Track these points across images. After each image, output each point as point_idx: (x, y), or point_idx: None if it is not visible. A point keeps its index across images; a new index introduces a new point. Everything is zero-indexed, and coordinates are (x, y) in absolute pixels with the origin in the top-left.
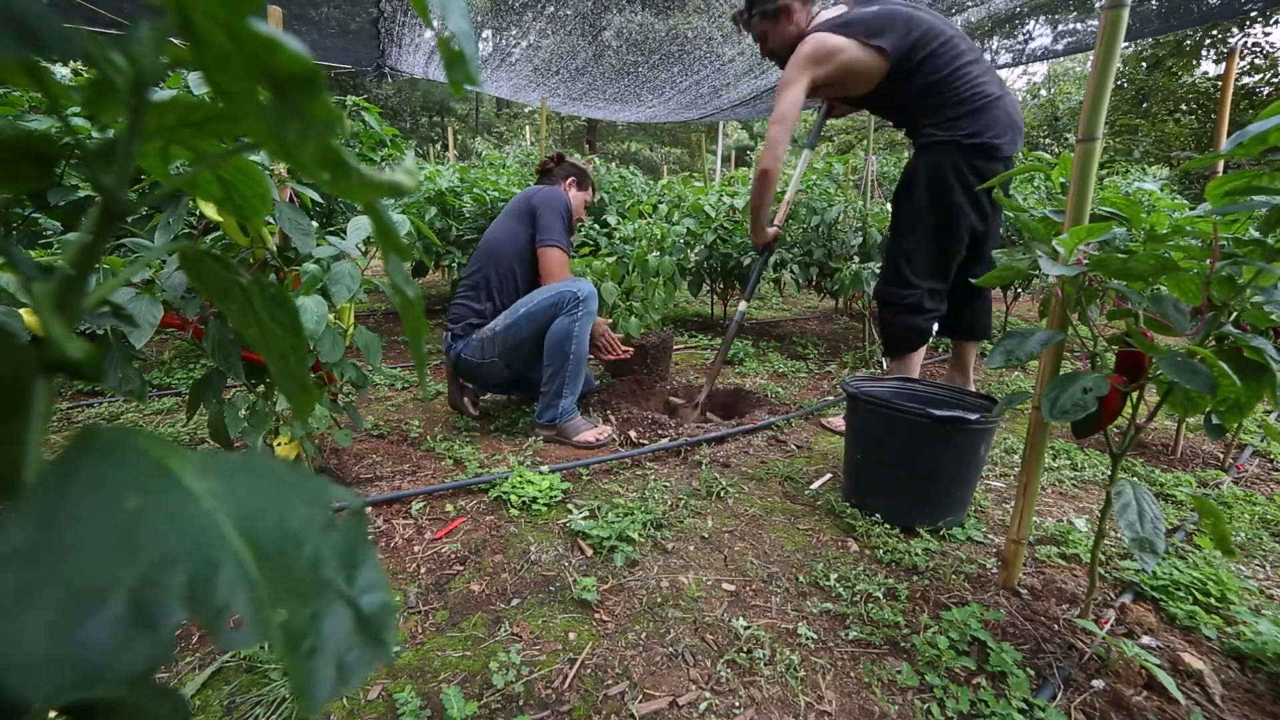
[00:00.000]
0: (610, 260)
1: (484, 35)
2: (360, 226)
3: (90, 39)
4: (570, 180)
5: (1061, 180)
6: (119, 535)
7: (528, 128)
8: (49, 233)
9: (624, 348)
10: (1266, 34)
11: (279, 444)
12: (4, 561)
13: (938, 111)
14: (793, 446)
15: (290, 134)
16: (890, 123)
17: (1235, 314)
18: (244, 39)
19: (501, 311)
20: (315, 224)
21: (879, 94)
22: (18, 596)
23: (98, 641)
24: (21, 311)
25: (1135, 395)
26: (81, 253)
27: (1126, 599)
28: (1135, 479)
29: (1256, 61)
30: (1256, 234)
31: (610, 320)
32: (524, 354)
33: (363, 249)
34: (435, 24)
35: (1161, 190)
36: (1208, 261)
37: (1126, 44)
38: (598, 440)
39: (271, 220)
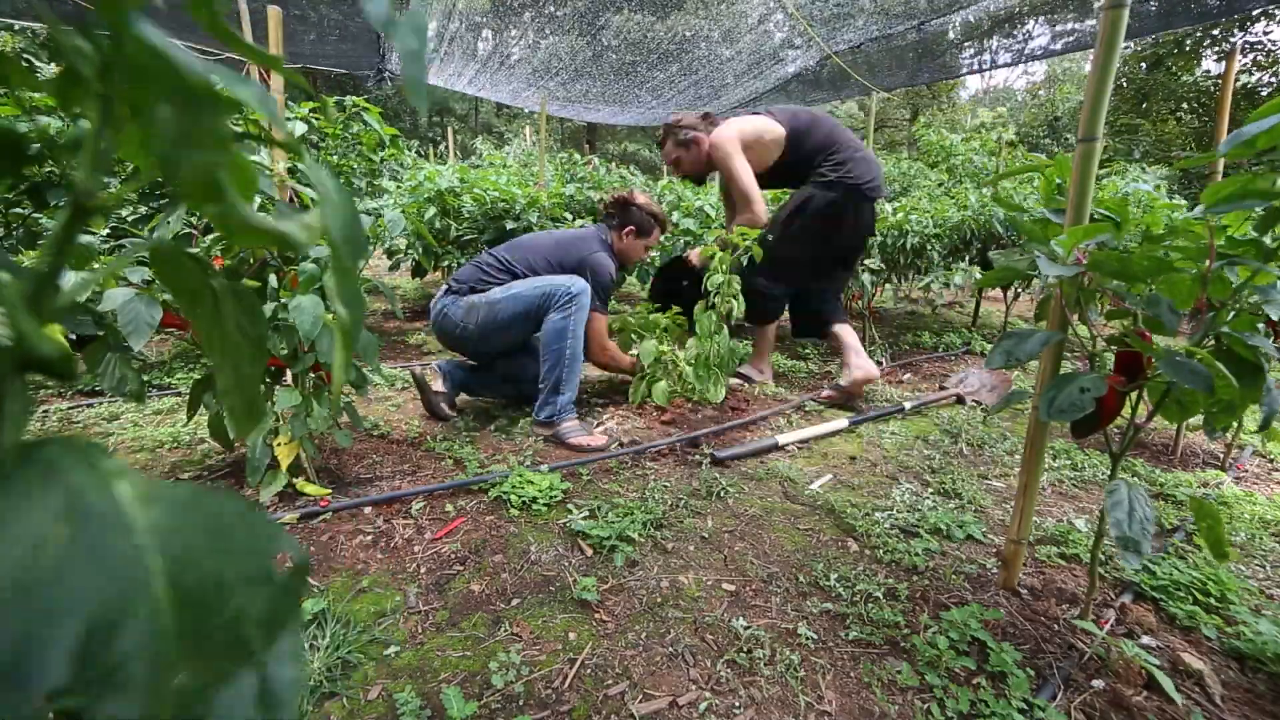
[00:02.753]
0: (676, 311)
1: (484, 35)
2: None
3: (57, 28)
4: (629, 230)
5: (1058, 181)
6: (24, 567)
7: (528, 128)
8: (49, 232)
9: (629, 361)
10: (1268, 32)
11: (279, 444)
12: None
13: (828, 159)
14: (793, 446)
15: (177, 154)
16: (787, 185)
17: (1234, 314)
18: (148, 50)
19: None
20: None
21: (782, 163)
22: None
23: None
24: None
25: (1134, 395)
26: (52, 248)
27: (1126, 599)
28: (1134, 479)
29: (1258, 59)
30: (1254, 233)
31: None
32: (499, 337)
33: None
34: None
35: (1157, 190)
36: (1205, 262)
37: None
38: (588, 445)
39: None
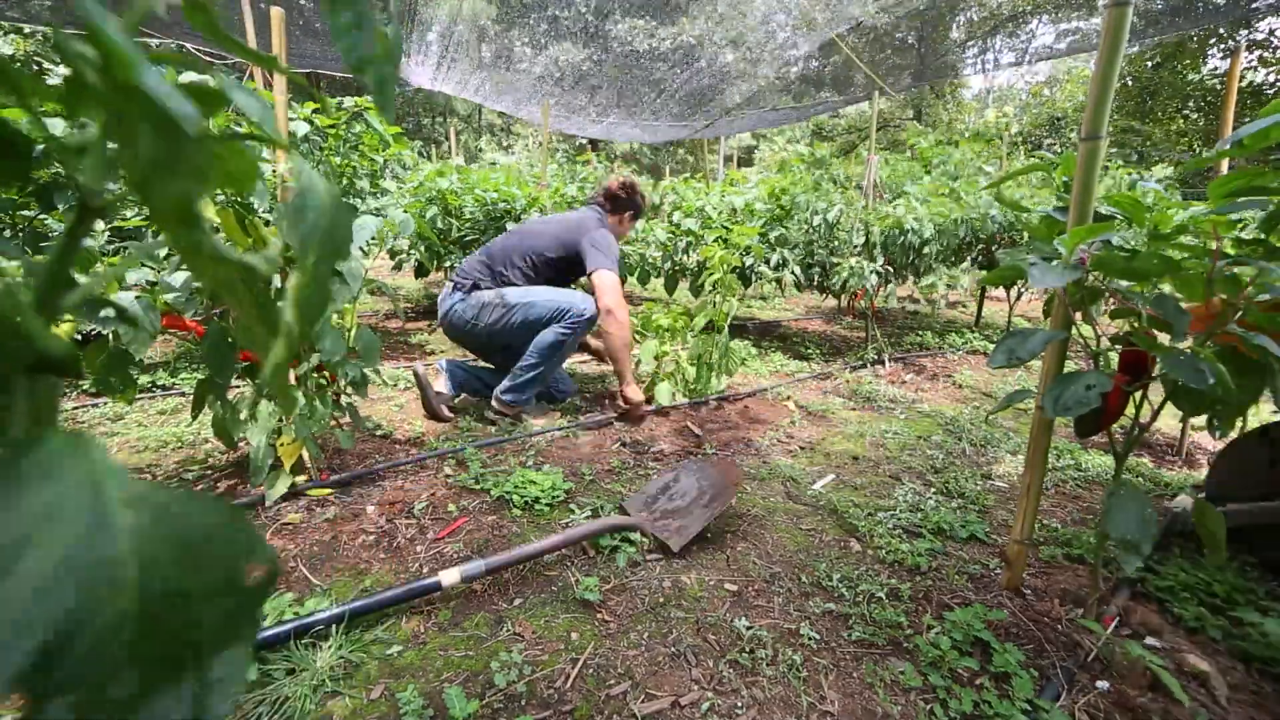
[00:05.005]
0: (678, 311)
1: (487, 42)
2: (365, 226)
3: (62, 35)
4: (628, 215)
5: (1063, 179)
6: (3, 561)
7: (530, 128)
8: (54, 234)
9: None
10: (1273, 30)
11: (283, 444)
12: None
13: None
14: (796, 447)
15: (154, 178)
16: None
17: (1240, 312)
18: (111, 56)
19: (507, 283)
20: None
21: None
22: None
23: None
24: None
25: (1138, 395)
26: (59, 248)
27: (1131, 600)
28: (1139, 479)
29: (1264, 56)
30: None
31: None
32: (505, 340)
33: (364, 248)
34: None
35: (1167, 190)
36: (1210, 261)
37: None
38: (545, 425)
39: (272, 221)
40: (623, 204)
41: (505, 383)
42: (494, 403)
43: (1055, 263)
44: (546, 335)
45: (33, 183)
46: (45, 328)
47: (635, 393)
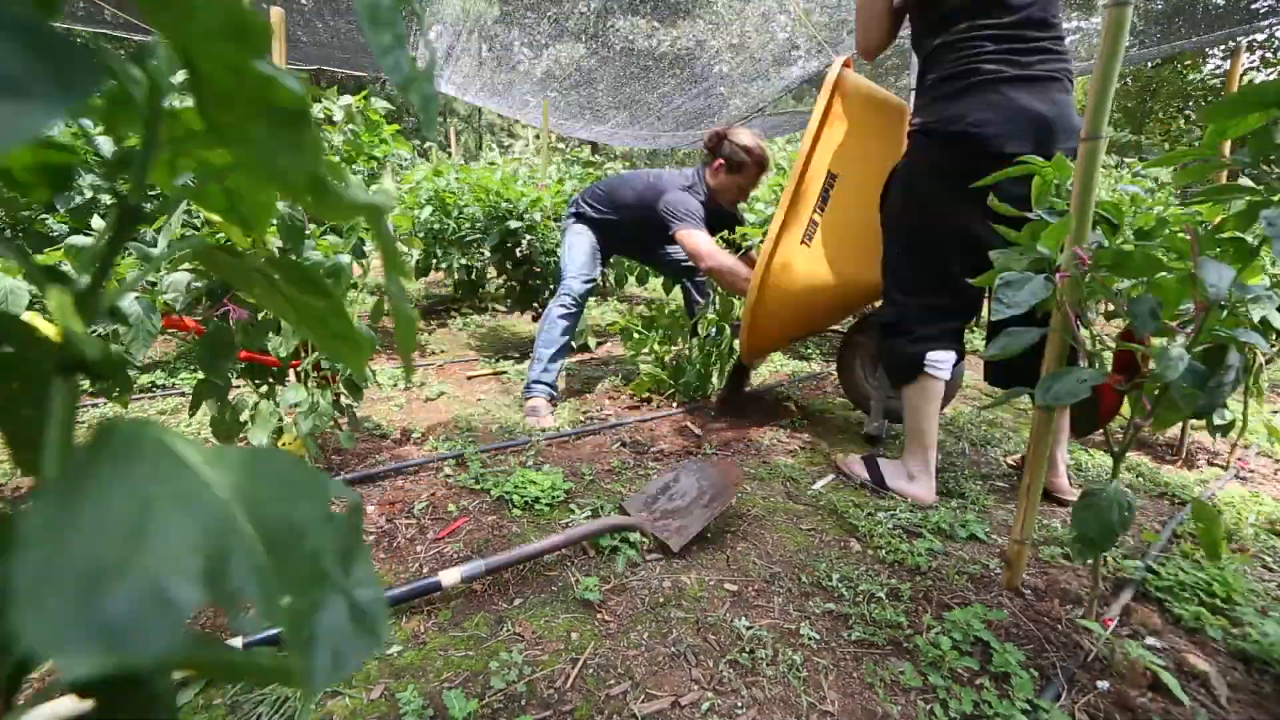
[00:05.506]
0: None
1: (488, 45)
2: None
3: (108, 54)
4: (719, 164)
5: (1055, 181)
6: (136, 520)
7: (530, 128)
8: (55, 234)
9: None
10: (1273, 27)
11: (284, 444)
12: (28, 541)
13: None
14: (796, 446)
15: (281, 161)
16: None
17: (1226, 311)
18: (248, 78)
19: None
20: (312, 226)
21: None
22: (42, 573)
23: (119, 617)
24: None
25: (1135, 394)
26: (101, 257)
27: (1131, 600)
28: (1139, 478)
29: (1266, 56)
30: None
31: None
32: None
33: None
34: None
35: (1162, 190)
36: (1190, 261)
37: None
38: (537, 425)
39: (272, 223)
40: (713, 156)
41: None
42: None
43: (1038, 278)
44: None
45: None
46: (85, 330)
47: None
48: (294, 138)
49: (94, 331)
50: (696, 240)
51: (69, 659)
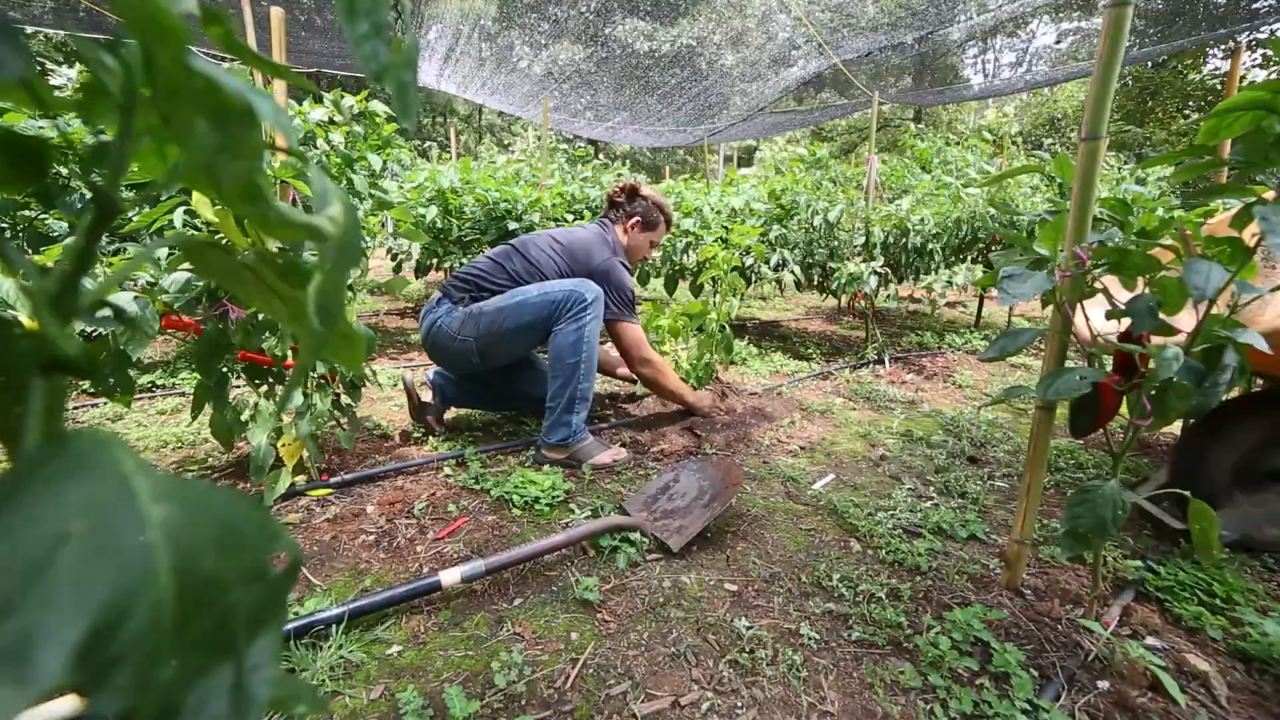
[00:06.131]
0: (678, 311)
1: (489, 43)
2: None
3: (83, 43)
4: (635, 221)
5: (1059, 181)
6: (49, 552)
7: (530, 129)
8: (55, 234)
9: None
10: (1273, 26)
11: (283, 445)
12: None
13: None
14: (796, 446)
15: (218, 162)
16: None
17: (1227, 313)
18: (195, 74)
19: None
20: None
21: None
22: None
23: None
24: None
25: (1134, 394)
26: (76, 251)
27: (1131, 600)
28: (1123, 478)
29: (1268, 56)
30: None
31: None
32: (501, 350)
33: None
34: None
35: (1163, 194)
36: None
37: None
38: (614, 462)
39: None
40: (624, 211)
41: (544, 423)
42: (543, 451)
43: (1040, 274)
44: (559, 341)
45: (42, 184)
46: (62, 329)
47: (700, 398)
48: (231, 139)
49: (94, 332)
50: (640, 336)
51: None
